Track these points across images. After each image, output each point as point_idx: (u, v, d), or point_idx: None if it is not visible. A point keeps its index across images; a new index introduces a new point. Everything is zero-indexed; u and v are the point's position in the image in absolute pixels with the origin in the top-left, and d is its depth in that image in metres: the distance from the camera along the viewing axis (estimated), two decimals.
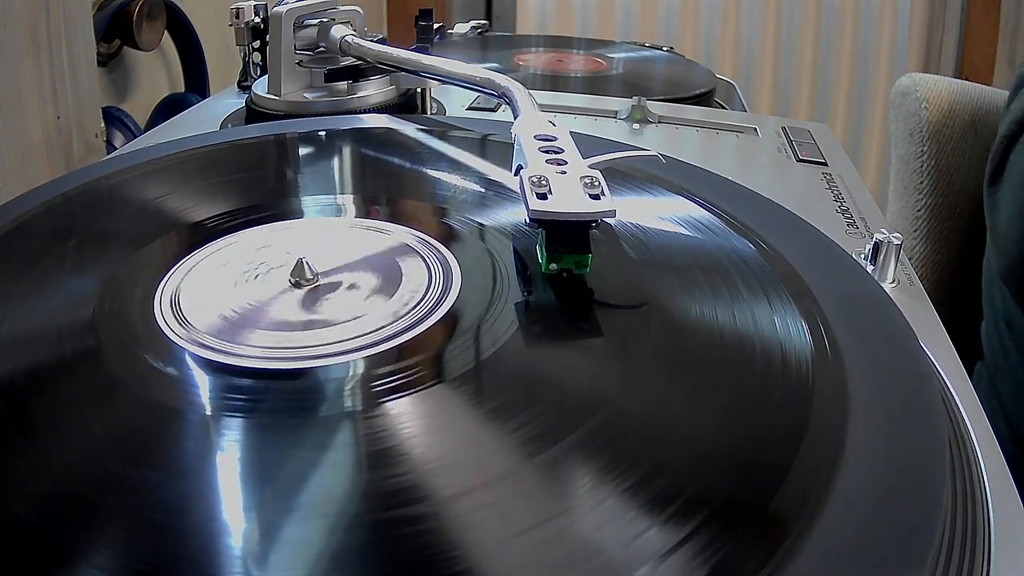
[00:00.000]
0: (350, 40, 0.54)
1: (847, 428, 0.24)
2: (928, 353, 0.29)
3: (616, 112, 0.61)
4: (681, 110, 0.64)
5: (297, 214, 0.37)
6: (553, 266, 0.30)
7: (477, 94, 0.62)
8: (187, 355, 0.27)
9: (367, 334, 0.28)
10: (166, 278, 0.31)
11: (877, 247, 0.37)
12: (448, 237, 0.34)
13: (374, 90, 0.55)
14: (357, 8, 0.57)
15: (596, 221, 0.30)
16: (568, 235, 0.30)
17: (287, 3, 0.54)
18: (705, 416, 0.24)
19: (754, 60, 1.69)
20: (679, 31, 1.68)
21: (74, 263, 0.34)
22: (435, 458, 0.22)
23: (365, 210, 0.38)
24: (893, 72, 1.65)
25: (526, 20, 1.70)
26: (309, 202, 0.39)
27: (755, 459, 0.22)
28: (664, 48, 0.97)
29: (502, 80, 0.44)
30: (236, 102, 0.61)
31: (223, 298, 0.30)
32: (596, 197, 0.30)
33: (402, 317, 0.29)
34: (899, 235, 0.37)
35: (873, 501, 0.21)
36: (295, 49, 0.55)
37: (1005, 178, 0.60)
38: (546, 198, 0.30)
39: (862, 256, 0.37)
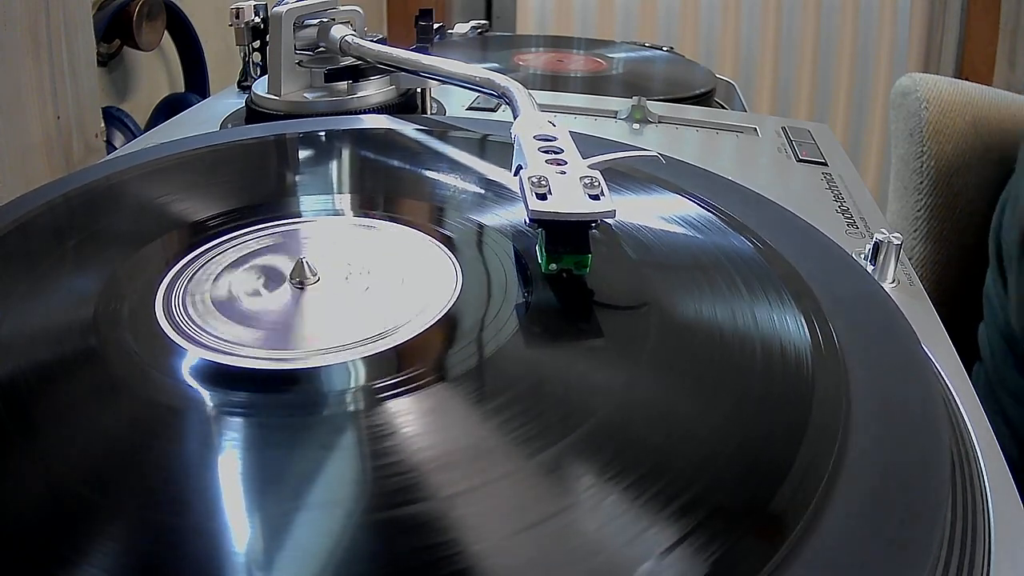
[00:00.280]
0: (350, 40, 0.54)
1: (847, 428, 0.24)
2: (928, 353, 0.29)
3: (616, 112, 0.61)
4: (681, 110, 0.64)
5: (297, 214, 0.37)
6: (553, 266, 0.30)
7: (477, 94, 0.62)
8: (187, 355, 0.27)
9: (367, 334, 0.28)
10: (166, 278, 0.31)
11: (877, 247, 0.37)
12: (448, 237, 0.34)
13: (374, 90, 0.55)
14: (357, 8, 0.57)
15: (596, 221, 0.30)
16: (568, 235, 0.30)
17: (287, 3, 0.54)
18: (705, 416, 0.24)
19: (754, 60, 1.69)
20: (679, 31, 1.68)
21: (74, 263, 0.34)
22: (435, 457, 0.22)
23: (364, 210, 0.38)
24: (893, 72, 1.65)
25: (526, 20, 1.70)
26: (309, 202, 0.39)
27: (755, 458, 0.22)
28: (664, 48, 0.97)
29: (502, 80, 0.44)
30: (236, 102, 0.61)
31: (223, 298, 0.30)
32: (596, 197, 0.30)
33: (402, 317, 0.29)
34: (899, 235, 0.37)
35: (873, 501, 0.21)
36: (295, 49, 0.55)
37: None
38: (546, 198, 0.30)
39: (862, 256, 0.37)
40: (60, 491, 0.22)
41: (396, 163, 0.45)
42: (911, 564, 0.20)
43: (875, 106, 1.71)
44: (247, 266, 0.32)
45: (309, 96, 0.55)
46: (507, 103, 0.42)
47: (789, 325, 0.28)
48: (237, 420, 0.24)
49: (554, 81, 0.78)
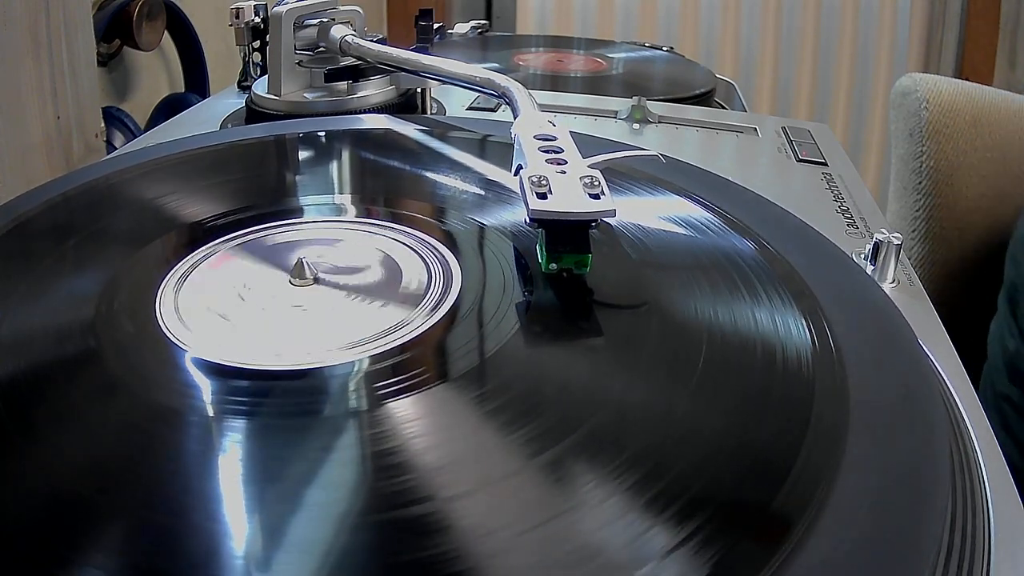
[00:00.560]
0: (350, 40, 0.54)
1: (847, 428, 0.24)
2: (928, 353, 0.29)
3: (616, 112, 0.61)
4: (681, 110, 0.64)
5: (297, 214, 0.37)
6: (553, 266, 0.30)
7: (477, 94, 0.62)
8: (187, 355, 0.27)
9: (367, 334, 0.28)
10: (166, 278, 0.31)
11: (877, 247, 0.37)
12: (448, 237, 0.34)
13: (374, 90, 0.55)
14: (357, 8, 0.57)
15: (596, 221, 0.30)
16: (568, 235, 0.30)
17: (287, 3, 0.54)
18: (706, 416, 0.24)
19: (754, 60, 1.69)
20: (679, 31, 1.68)
21: (74, 263, 0.34)
22: (437, 458, 0.22)
23: (365, 210, 0.38)
24: (893, 72, 1.65)
25: (526, 20, 1.70)
26: (309, 202, 0.39)
27: (756, 459, 0.22)
28: (664, 48, 0.97)
29: (502, 80, 0.44)
30: (236, 102, 0.61)
31: (223, 298, 0.30)
32: (596, 197, 0.30)
33: (402, 317, 0.29)
34: (899, 235, 0.37)
35: (873, 501, 0.21)
36: (295, 49, 0.55)
37: None
38: (546, 198, 0.30)
39: (862, 256, 0.37)
40: (60, 491, 0.22)
41: (396, 163, 0.45)
42: (911, 564, 0.20)
43: (875, 106, 1.71)
44: (247, 266, 0.32)
45: (309, 96, 0.55)
46: (507, 103, 0.42)
47: (789, 325, 0.28)
48: (237, 420, 0.24)
49: (554, 81, 0.78)
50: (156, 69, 1.16)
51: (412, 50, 0.53)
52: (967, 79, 0.80)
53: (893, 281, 0.37)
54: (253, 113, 0.55)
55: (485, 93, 0.47)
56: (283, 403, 0.25)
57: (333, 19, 0.56)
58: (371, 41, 0.54)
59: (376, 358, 0.27)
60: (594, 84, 0.78)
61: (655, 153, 0.36)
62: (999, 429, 0.58)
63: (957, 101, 0.73)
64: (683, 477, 0.22)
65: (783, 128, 0.59)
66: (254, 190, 0.40)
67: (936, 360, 0.31)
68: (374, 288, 0.31)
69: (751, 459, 0.22)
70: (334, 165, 0.45)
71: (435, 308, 0.29)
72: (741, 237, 0.34)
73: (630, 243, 0.33)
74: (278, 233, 0.35)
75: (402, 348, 0.27)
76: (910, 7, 1.66)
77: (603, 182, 0.31)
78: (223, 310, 0.29)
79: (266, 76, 0.57)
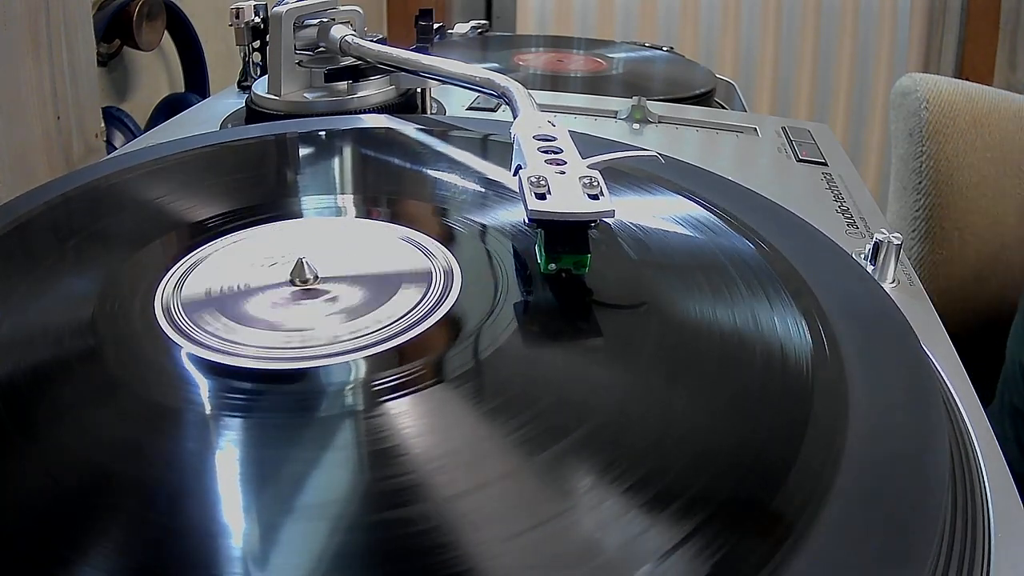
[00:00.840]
0: (350, 40, 0.54)
1: (847, 428, 0.24)
2: (928, 353, 0.29)
3: (616, 112, 0.61)
4: (681, 110, 0.64)
5: (297, 214, 0.37)
6: (552, 266, 0.30)
7: (477, 94, 0.62)
8: (187, 355, 0.27)
9: (367, 334, 0.28)
10: (166, 278, 0.31)
11: (877, 247, 0.37)
12: (448, 237, 0.34)
13: (374, 90, 0.55)
14: (357, 8, 0.57)
15: (595, 221, 0.30)
16: (567, 235, 0.30)
17: (287, 3, 0.54)
18: (705, 416, 0.24)
19: (754, 60, 1.69)
20: (679, 31, 1.68)
21: (74, 263, 0.34)
22: (435, 458, 0.22)
23: (365, 210, 0.38)
24: (893, 72, 1.65)
25: (526, 20, 1.70)
26: (309, 202, 0.39)
27: (755, 458, 0.22)
28: (664, 48, 0.97)
29: (502, 80, 0.44)
30: (236, 102, 0.61)
31: (223, 298, 0.30)
32: (595, 197, 0.30)
33: (402, 317, 0.29)
34: (899, 235, 0.37)
35: (873, 500, 0.21)
36: (295, 49, 0.55)
37: None
38: (545, 198, 0.30)
39: (862, 256, 0.37)
40: (60, 491, 0.22)
41: (396, 163, 0.45)
42: (911, 564, 0.20)
43: (875, 106, 1.71)
44: (247, 266, 0.32)
45: (309, 96, 0.55)
46: (507, 103, 0.42)
47: (789, 325, 0.28)
48: (236, 420, 0.24)
49: (554, 81, 0.78)
50: (156, 69, 1.16)
51: (412, 50, 0.53)
52: (967, 79, 0.80)
53: (893, 281, 0.37)
54: (253, 113, 0.55)
55: (485, 93, 0.47)
56: (282, 403, 0.25)
57: (333, 19, 0.56)
58: (371, 41, 0.54)
59: (375, 358, 0.27)
60: (594, 84, 0.78)
61: (654, 153, 0.36)
62: (1012, 441, 0.57)
63: (957, 101, 0.73)
64: (682, 477, 0.22)
65: (783, 128, 0.59)
66: (254, 190, 0.40)
67: (936, 360, 0.31)
68: (373, 288, 0.31)
69: (751, 459, 0.22)
70: (334, 165, 0.45)
71: (434, 308, 0.29)
72: (741, 237, 0.34)
73: (629, 243, 0.33)
74: (277, 233, 0.35)
75: (401, 348, 0.27)
76: (910, 7, 1.66)
77: (602, 183, 0.31)
78: (223, 309, 0.29)
79: (266, 76, 0.57)
